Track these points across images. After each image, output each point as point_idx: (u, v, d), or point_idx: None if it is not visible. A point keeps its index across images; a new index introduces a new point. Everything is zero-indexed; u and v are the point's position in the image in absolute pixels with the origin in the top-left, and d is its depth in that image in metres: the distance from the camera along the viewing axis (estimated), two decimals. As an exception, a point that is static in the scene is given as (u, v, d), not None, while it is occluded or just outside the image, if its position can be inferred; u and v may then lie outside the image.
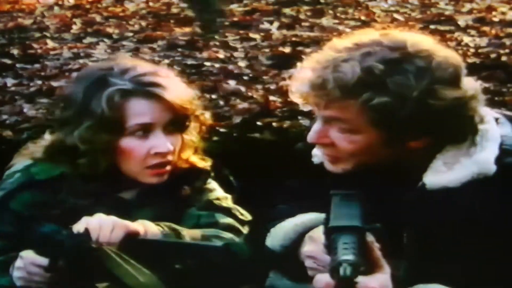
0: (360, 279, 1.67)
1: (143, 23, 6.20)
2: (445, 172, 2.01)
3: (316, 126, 2.07)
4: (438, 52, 2.00)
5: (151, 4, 6.95)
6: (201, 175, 2.49)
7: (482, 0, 6.88)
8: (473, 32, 5.76)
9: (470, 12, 6.40)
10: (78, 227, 2.16)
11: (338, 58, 1.97)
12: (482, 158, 2.00)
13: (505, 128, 2.09)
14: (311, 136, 2.08)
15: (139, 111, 2.32)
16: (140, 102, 2.32)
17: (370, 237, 1.81)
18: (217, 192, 2.51)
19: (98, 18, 6.50)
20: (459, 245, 1.97)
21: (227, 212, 2.45)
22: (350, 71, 1.93)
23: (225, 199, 2.50)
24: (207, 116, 2.52)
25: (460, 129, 2.02)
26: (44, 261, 2.15)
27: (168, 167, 2.39)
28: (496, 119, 2.10)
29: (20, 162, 2.47)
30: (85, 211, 2.25)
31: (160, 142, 2.34)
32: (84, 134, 2.32)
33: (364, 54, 1.96)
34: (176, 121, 2.37)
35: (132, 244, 2.18)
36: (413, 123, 1.95)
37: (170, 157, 2.38)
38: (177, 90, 2.37)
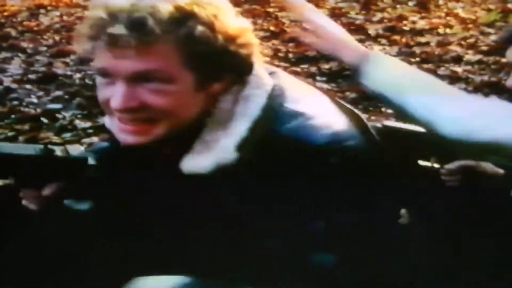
0: None
1: (57, 37, 6.18)
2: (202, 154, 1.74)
3: (120, 90, 1.68)
4: None
5: (64, 18, 6.91)
6: None
7: (393, 9, 7.03)
8: (383, 41, 5.88)
9: (381, 21, 6.52)
10: None
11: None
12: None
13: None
14: (117, 102, 1.67)
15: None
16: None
17: None
18: None
19: (13, 33, 6.45)
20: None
21: None
22: (161, 7, 1.66)
23: None
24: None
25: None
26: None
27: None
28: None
29: None
30: None
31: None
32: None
33: None
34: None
35: None
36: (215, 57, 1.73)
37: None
38: None
